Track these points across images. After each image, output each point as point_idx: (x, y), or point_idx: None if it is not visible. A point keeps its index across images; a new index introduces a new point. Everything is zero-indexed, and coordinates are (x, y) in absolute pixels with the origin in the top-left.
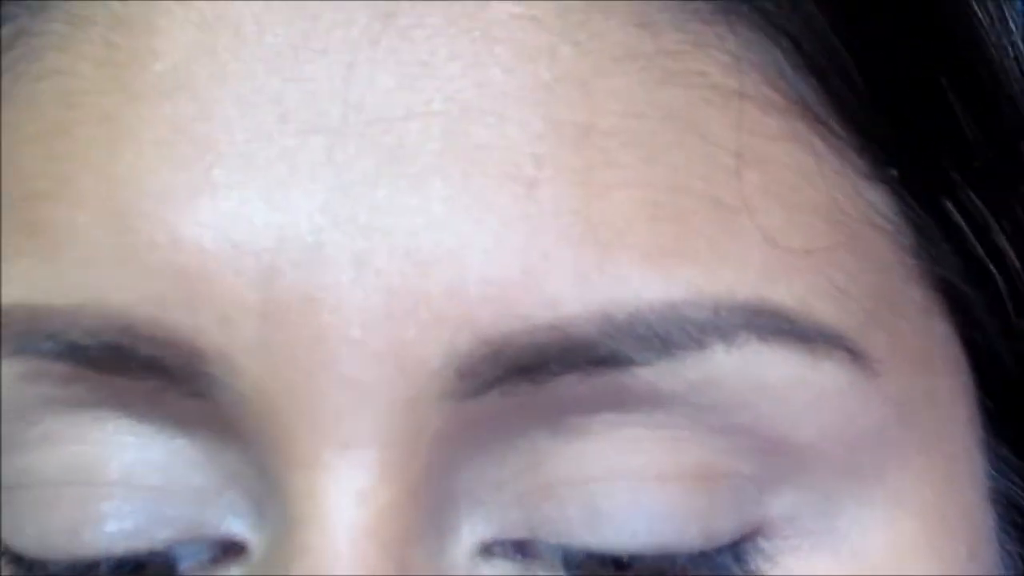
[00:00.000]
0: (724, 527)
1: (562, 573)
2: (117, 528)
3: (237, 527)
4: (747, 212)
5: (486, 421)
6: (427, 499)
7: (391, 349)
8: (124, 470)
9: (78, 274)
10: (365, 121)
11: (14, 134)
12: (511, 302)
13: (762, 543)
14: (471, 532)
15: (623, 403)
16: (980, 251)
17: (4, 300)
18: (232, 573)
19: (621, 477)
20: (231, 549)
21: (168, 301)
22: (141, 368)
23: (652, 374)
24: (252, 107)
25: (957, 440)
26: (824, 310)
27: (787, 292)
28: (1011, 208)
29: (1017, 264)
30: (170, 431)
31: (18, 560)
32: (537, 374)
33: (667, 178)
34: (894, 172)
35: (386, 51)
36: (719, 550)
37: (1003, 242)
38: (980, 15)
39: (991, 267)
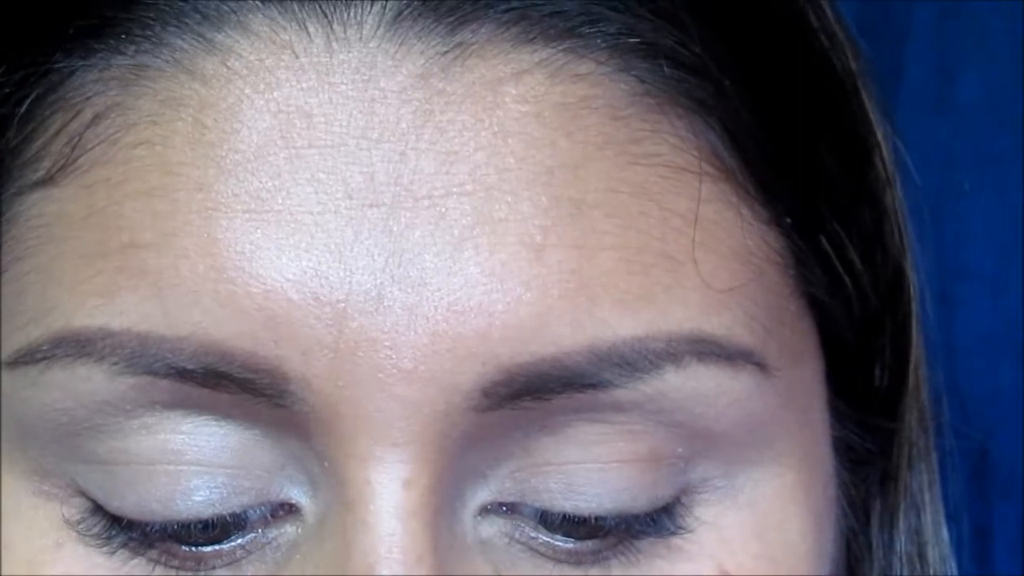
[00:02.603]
0: (664, 494)
1: (542, 529)
2: (204, 498)
3: (294, 494)
4: (691, 264)
5: (497, 425)
6: (451, 481)
7: (433, 376)
8: (209, 453)
9: (183, 311)
10: (413, 198)
11: (114, 190)
12: (524, 342)
13: (683, 499)
14: (474, 498)
15: (597, 410)
16: (839, 269)
17: (116, 325)
18: (288, 529)
19: (591, 461)
20: (288, 510)
21: (260, 337)
22: (236, 386)
23: (621, 391)
24: (323, 185)
25: (817, 407)
26: (741, 334)
27: (717, 323)
28: (858, 230)
29: (861, 268)
30: (246, 424)
31: (116, 520)
32: (540, 394)
33: (636, 241)
34: (788, 220)
35: (428, 142)
36: (659, 511)
37: (853, 255)
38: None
39: (845, 278)
